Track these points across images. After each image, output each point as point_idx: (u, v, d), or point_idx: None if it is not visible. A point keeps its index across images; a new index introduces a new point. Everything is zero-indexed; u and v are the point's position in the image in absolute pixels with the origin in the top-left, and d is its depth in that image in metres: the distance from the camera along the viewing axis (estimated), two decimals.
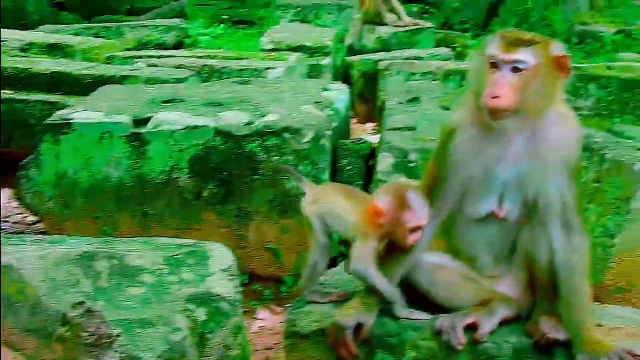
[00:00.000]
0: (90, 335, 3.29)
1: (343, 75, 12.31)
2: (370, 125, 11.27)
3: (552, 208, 3.72)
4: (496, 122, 3.66)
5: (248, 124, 6.55)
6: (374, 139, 7.67)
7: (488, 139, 3.75)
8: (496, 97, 3.59)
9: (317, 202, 4.16)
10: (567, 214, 3.73)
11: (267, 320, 6.33)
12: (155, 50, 12.50)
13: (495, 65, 3.64)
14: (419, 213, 3.73)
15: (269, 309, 6.48)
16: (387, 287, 3.82)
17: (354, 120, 10.59)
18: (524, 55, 3.62)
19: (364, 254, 3.84)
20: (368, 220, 3.81)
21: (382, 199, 3.78)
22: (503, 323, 3.84)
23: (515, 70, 3.61)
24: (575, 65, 11.28)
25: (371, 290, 3.85)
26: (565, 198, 3.72)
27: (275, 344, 5.92)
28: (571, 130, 3.77)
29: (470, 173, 3.79)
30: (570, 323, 3.71)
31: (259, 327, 6.21)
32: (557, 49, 3.71)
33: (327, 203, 4.11)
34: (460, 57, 14.00)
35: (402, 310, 3.86)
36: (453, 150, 3.81)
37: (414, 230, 3.74)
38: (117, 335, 3.40)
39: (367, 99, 11.76)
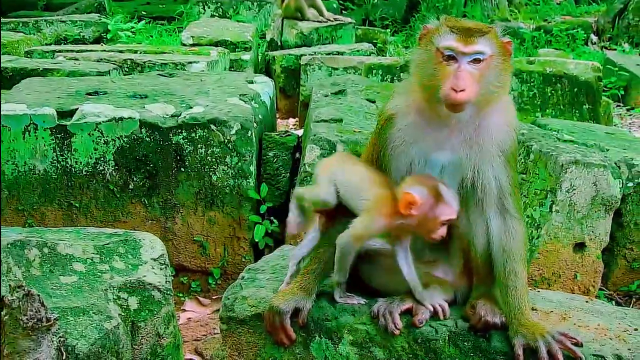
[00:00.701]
0: (29, 319, 3.26)
1: (264, 70, 12.33)
2: (292, 120, 11.32)
3: (489, 193, 3.75)
4: (455, 114, 3.64)
5: (174, 115, 6.53)
6: (298, 133, 7.70)
7: (430, 127, 3.75)
8: (461, 90, 3.55)
9: (333, 167, 3.95)
10: (504, 199, 3.77)
11: (195, 312, 6.32)
12: (74, 45, 12.36)
13: (451, 57, 3.60)
14: (452, 206, 3.69)
15: (196, 300, 6.47)
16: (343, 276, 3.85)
17: (276, 116, 10.61)
18: (482, 46, 3.59)
19: (363, 235, 3.79)
20: (398, 208, 3.72)
21: (417, 189, 3.68)
22: None
23: (474, 60, 3.59)
24: None
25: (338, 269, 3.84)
26: (501, 183, 3.76)
27: (203, 335, 5.92)
28: (508, 115, 3.82)
29: (409, 159, 3.79)
30: (506, 306, 3.74)
31: (187, 319, 6.19)
32: (501, 35, 3.72)
33: (344, 170, 3.94)
34: (380, 52, 14.12)
35: (341, 295, 3.88)
36: (391, 137, 3.79)
37: (444, 223, 3.70)
38: (56, 319, 3.37)
39: (289, 94, 11.79)
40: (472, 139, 3.74)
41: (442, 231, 3.70)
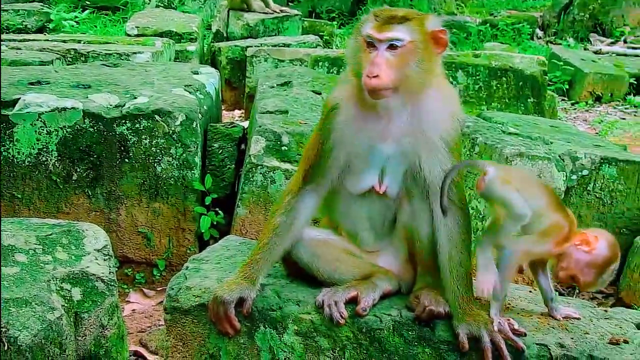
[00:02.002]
0: None
1: (210, 61, 12.28)
2: (237, 112, 11.28)
3: (433, 183, 3.75)
4: (377, 100, 3.67)
5: (117, 106, 6.48)
6: (243, 125, 7.69)
7: (370, 116, 3.77)
8: (375, 77, 3.59)
9: (509, 180, 3.78)
10: (448, 189, 3.75)
11: (139, 304, 6.28)
12: (16, 34, 12.21)
13: (371, 45, 3.65)
14: (601, 284, 3.71)
15: (141, 292, 6.44)
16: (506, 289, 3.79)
17: (222, 107, 10.58)
18: (398, 33, 3.62)
19: (531, 254, 3.79)
20: (569, 240, 3.72)
21: (603, 242, 3.69)
22: (384, 297, 3.87)
23: (392, 47, 3.62)
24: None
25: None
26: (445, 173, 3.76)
27: (148, 327, 5.89)
28: (451, 106, 3.84)
29: (352, 149, 3.81)
30: (451, 295, 3.76)
31: (132, 310, 6.16)
32: (433, 23, 3.73)
33: (522, 184, 3.80)
34: (327, 44, 14.12)
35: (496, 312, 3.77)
36: (335, 127, 3.81)
37: (574, 279, 3.72)
38: None
39: (235, 85, 11.76)
40: (413, 129, 3.75)
41: (567, 280, 3.75)
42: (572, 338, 3.74)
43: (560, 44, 17.71)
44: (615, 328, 3.88)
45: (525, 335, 3.70)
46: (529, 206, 3.69)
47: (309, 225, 3.95)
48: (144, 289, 6.48)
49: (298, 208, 3.87)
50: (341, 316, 3.74)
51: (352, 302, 3.78)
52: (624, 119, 12.80)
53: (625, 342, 3.73)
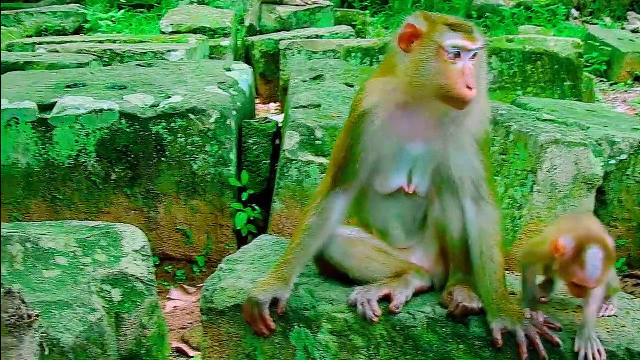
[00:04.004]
0: (10, 316, 3.31)
1: (244, 55, 12.32)
2: (273, 105, 11.33)
3: (464, 181, 3.77)
4: (462, 110, 3.66)
5: (153, 106, 6.57)
6: (278, 119, 7.74)
7: (403, 119, 3.77)
8: (471, 88, 3.58)
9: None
10: (478, 186, 3.78)
11: (181, 301, 6.37)
12: (55, 36, 12.35)
13: (457, 55, 3.61)
14: (589, 275, 3.52)
15: (182, 289, 6.52)
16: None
17: (257, 101, 10.64)
18: (482, 42, 3.65)
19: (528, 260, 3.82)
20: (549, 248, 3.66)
21: (567, 239, 3.56)
22: (417, 294, 3.87)
23: (473, 56, 3.63)
24: None
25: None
26: (476, 171, 3.78)
27: (190, 324, 5.98)
28: (481, 104, 3.81)
29: (382, 152, 3.82)
30: (483, 291, 3.76)
31: (173, 307, 6.25)
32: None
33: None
34: (360, 34, 14.11)
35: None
36: (365, 133, 3.80)
37: (577, 285, 3.60)
38: (37, 316, 3.42)
39: (269, 79, 11.78)
40: (443, 129, 3.75)
41: (576, 291, 3.62)
42: (609, 331, 3.72)
43: (596, 23, 17.53)
44: None
45: (561, 330, 3.69)
46: None
47: (340, 226, 3.97)
48: (184, 285, 6.57)
49: (329, 209, 3.90)
50: (375, 314, 3.75)
51: (385, 300, 3.79)
52: None
53: None
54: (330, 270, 3.99)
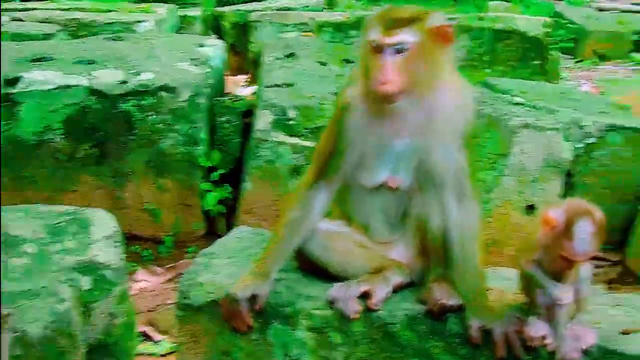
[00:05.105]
0: None
1: (214, 26, 12.18)
2: (242, 77, 11.22)
3: (446, 176, 3.72)
4: (389, 105, 3.63)
5: (122, 82, 6.45)
6: (247, 92, 7.66)
7: (382, 114, 3.72)
8: (385, 83, 3.55)
9: None
10: (460, 181, 3.74)
11: (147, 282, 6.28)
12: (18, 3, 12.10)
13: (378, 49, 3.60)
14: (578, 248, 3.47)
15: (149, 269, 6.43)
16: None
17: (226, 73, 10.54)
18: (404, 36, 3.57)
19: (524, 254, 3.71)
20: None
21: (557, 212, 3.51)
22: (396, 290, 3.84)
23: (399, 51, 3.57)
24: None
25: None
26: (458, 166, 3.73)
27: (157, 306, 5.90)
28: (462, 98, 3.77)
29: (365, 147, 3.77)
30: (462, 289, 3.73)
31: (139, 289, 6.16)
32: (437, 19, 3.67)
33: None
34: (330, 6, 13.97)
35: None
36: (348, 127, 3.77)
37: (566, 259, 3.53)
38: (7, 314, 3.32)
39: (239, 50, 11.66)
40: (425, 125, 3.71)
41: (564, 265, 3.54)
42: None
43: (563, 0, 17.59)
44: (627, 317, 3.82)
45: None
46: None
47: (322, 219, 3.90)
48: (151, 266, 6.47)
49: (312, 203, 3.84)
50: (354, 311, 3.71)
51: (365, 296, 3.75)
52: (628, 76, 12.79)
53: (637, 332, 3.66)
54: (309, 265, 3.92)
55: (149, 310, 5.84)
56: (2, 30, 8.51)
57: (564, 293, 3.55)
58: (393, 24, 3.59)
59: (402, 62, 3.57)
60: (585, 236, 3.47)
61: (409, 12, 3.65)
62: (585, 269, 3.62)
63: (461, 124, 3.74)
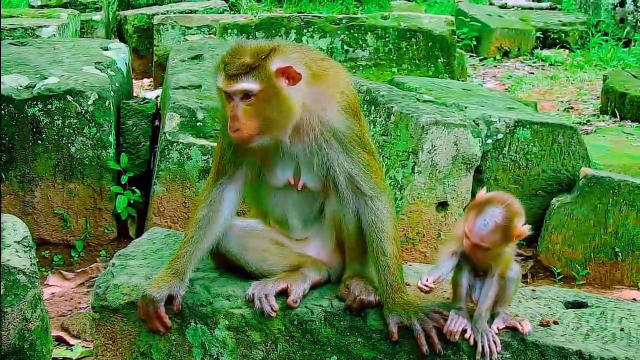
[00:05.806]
0: None
1: (116, 30, 12.11)
2: (147, 81, 11.18)
3: (342, 180, 3.74)
4: (248, 147, 3.68)
5: (28, 87, 6.39)
6: (153, 94, 7.62)
7: None
8: (236, 130, 3.58)
9: None
10: (356, 182, 3.76)
11: (59, 287, 6.22)
12: None
13: (226, 95, 3.61)
14: (477, 227, 3.53)
15: (60, 274, 6.36)
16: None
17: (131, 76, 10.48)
18: (246, 84, 3.55)
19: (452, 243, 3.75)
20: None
21: (486, 192, 3.61)
22: (314, 287, 3.86)
23: (246, 96, 3.57)
24: (351, 16, 11.55)
25: None
26: (349, 168, 3.75)
27: (69, 310, 5.84)
28: (335, 102, 3.75)
29: (257, 154, 3.81)
30: (380, 285, 3.75)
31: (51, 294, 6.09)
32: (279, 61, 3.61)
33: None
34: (233, 8, 13.99)
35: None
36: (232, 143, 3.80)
37: (467, 238, 3.58)
38: None
39: (143, 54, 11.62)
40: (309, 132, 3.71)
41: (466, 243, 3.59)
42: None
43: None
44: (544, 308, 3.92)
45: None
46: None
47: (234, 217, 3.92)
48: (62, 271, 6.41)
49: (219, 200, 3.85)
50: (272, 309, 3.72)
51: (283, 294, 3.77)
52: (532, 73, 13.03)
53: (555, 323, 3.76)
54: (226, 264, 3.94)
55: (61, 315, 5.77)
56: None
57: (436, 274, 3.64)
58: (235, 71, 3.56)
59: (251, 108, 3.58)
60: (488, 220, 3.53)
61: (250, 56, 3.59)
62: (514, 270, 3.68)
63: (340, 126, 3.74)
